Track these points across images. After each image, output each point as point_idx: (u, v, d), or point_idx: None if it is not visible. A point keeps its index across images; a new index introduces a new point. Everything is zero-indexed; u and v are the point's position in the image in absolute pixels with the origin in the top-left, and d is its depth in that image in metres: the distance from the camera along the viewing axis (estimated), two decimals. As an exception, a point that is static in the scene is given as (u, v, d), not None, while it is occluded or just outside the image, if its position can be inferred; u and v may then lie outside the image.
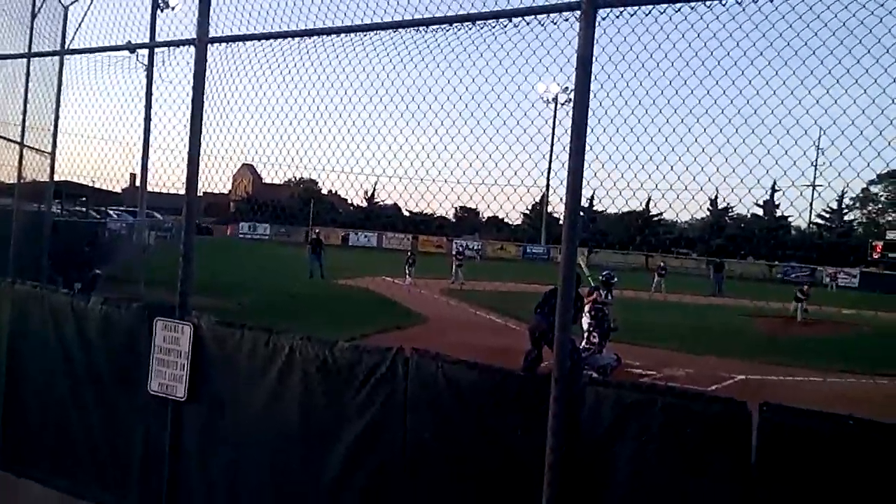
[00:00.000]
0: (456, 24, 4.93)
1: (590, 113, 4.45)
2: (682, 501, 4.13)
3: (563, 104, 55.59)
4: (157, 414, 6.03)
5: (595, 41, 4.39)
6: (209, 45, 6.13)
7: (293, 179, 79.71)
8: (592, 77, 4.41)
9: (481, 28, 4.84)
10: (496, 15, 4.77)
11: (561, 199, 4.58)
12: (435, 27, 5.04)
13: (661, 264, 42.06)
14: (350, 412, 5.12)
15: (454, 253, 39.13)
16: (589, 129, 4.46)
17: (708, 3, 4.37)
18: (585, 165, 4.48)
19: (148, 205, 29.18)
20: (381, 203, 79.42)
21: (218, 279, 24.72)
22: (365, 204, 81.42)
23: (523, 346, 14.89)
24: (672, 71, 4.52)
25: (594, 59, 4.40)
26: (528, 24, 4.66)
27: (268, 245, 59.81)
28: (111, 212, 43.16)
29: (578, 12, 4.41)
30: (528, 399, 4.54)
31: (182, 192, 6.23)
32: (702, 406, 4.14)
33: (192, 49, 6.13)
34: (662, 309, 26.79)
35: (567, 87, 54.05)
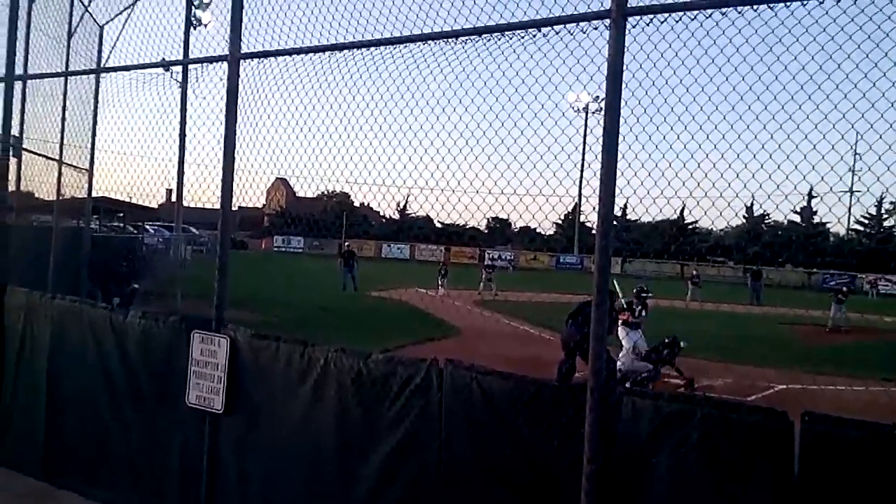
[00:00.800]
0: (485, 35, 4.94)
1: (625, 119, 4.43)
2: (722, 514, 4.06)
3: (593, 113, 55.42)
4: (194, 426, 6.09)
5: (626, 49, 4.38)
6: (241, 61, 6.22)
7: (326, 192, 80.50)
8: (623, 85, 4.39)
9: (510, 39, 4.85)
10: (525, 25, 4.77)
11: (594, 209, 4.56)
12: (464, 38, 5.05)
13: (695, 273, 41.48)
14: (385, 424, 5.13)
15: (485, 265, 38.90)
16: (621, 138, 4.44)
17: (739, 8, 4.32)
18: (618, 174, 4.45)
19: (184, 219, 29.59)
20: (414, 215, 79.73)
21: (253, 293, 24.96)
22: (397, 216, 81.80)
23: (557, 356, 14.81)
24: (704, 77, 4.47)
25: (625, 67, 4.39)
26: (557, 33, 4.65)
27: (302, 258, 60.24)
28: (148, 227, 43.85)
29: (608, 20, 4.40)
30: (563, 410, 4.51)
31: (217, 206, 6.31)
32: (741, 416, 4.07)
33: (225, 65, 6.22)
34: (699, 318, 26.39)
35: (598, 97, 53.97)
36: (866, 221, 76.84)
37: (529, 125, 5.15)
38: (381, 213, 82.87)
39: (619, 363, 12.94)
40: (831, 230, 74.37)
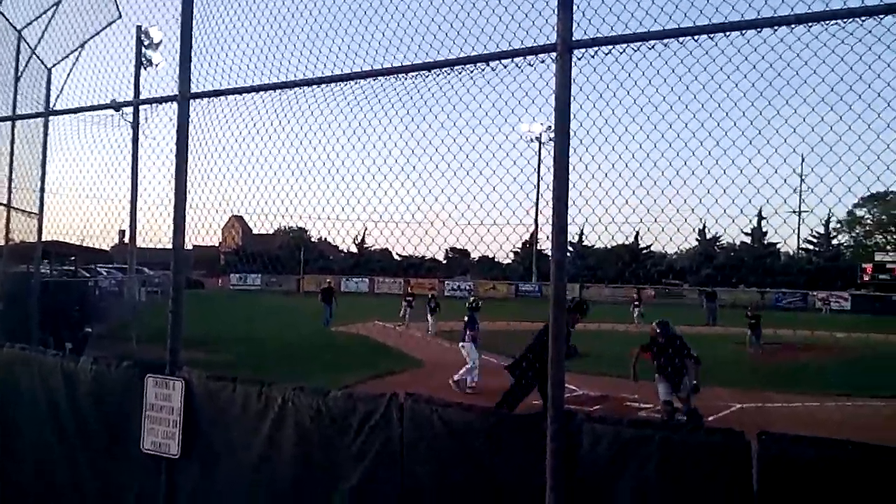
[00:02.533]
0: (435, 70, 5.00)
1: (574, 149, 4.51)
2: (685, 536, 4.09)
3: (545, 143, 56.17)
4: (150, 473, 5.94)
5: (573, 81, 4.47)
6: (192, 100, 6.19)
7: (283, 228, 79.94)
8: (572, 115, 4.47)
9: (460, 73, 4.91)
10: (473, 60, 4.84)
11: (548, 237, 4.61)
12: (414, 74, 5.10)
13: (635, 296, 41.89)
14: (347, 461, 5.06)
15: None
16: (571, 166, 4.51)
17: (680, 39, 4.45)
18: (573, 202, 4.52)
19: (138, 260, 29.08)
20: (372, 248, 79.56)
21: (213, 332, 24.61)
22: (355, 249, 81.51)
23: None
24: (650, 107, 4.60)
25: (573, 98, 4.47)
26: (505, 67, 4.73)
27: (261, 295, 59.48)
28: (101, 269, 42.97)
29: (554, 54, 4.49)
30: (525, 439, 4.51)
31: (171, 246, 6.23)
32: (699, 438, 4.13)
33: (176, 105, 6.18)
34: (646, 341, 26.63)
35: (550, 126, 54.83)
36: (815, 240, 78.89)
37: (481, 157, 5.20)
38: (339, 248, 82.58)
39: None
40: (782, 250, 76.21)
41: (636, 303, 38.29)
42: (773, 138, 4.35)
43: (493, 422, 4.65)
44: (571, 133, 4.46)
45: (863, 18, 3.93)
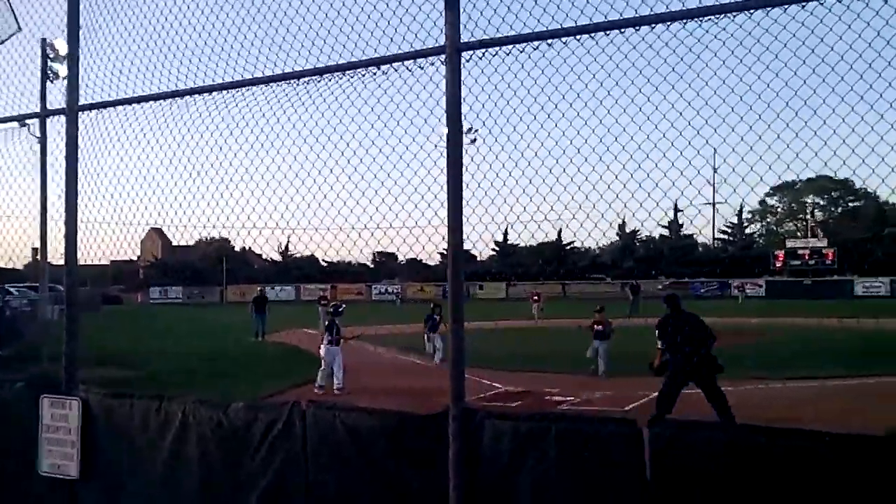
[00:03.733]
0: (327, 75, 4.98)
1: (500, 148, 4.57)
2: (585, 525, 4.17)
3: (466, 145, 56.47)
4: (49, 497, 5.73)
5: (462, 81, 4.52)
6: (92, 111, 6.05)
7: (204, 239, 78.30)
8: (489, 115, 4.53)
9: (351, 77, 4.91)
10: (365, 64, 4.85)
11: (480, 236, 4.67)
12: (307, 79, 5.07)
13: (534, 291, 42.52)
14: (251, 472, 4.99)
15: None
16: (488, 165, 4.57)
17: (579, 37, 4.51)
18: (501, 200, 4.59)
19: (51, 278, 27.97)
20: (297, 255, 78.73)
21: (130, 348, 23.89)
22: (279, 258, 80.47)
23: (442, 385, 14.87)
24: (564, 103, 4.65)
25: (468, 99, 4.54)
26: (396, 70, 4.75)
27: (183, 308, 58.03)
28: (11, 289, 41.16)
29: (444, 56, 4.53)
30: (427, 439, 4.53)
31: (87, 261, 6.06)
32: (594, 428, 4.22)
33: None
34: (577, 335, 27.16)
35: (470, 128, 55.24)
36: (729, 230, 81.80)
37: (402, 158, 5.17)
38: (264, 256, 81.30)
39: None
40: (699, 241, 78.80)
41: (535, 298, 38.73)
42: (686, 130, 4.45)
43: (396, 424, 4.66)
44: (488, 132, 4.52)
45: (767, 9, 4.05)
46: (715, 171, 4.87)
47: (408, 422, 4.66)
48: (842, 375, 16.24)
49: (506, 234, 73.16)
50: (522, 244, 75.06)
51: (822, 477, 3.59)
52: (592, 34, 4.45)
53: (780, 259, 66.49)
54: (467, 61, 4.52)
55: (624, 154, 4.54)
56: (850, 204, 79.95)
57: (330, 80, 4.98)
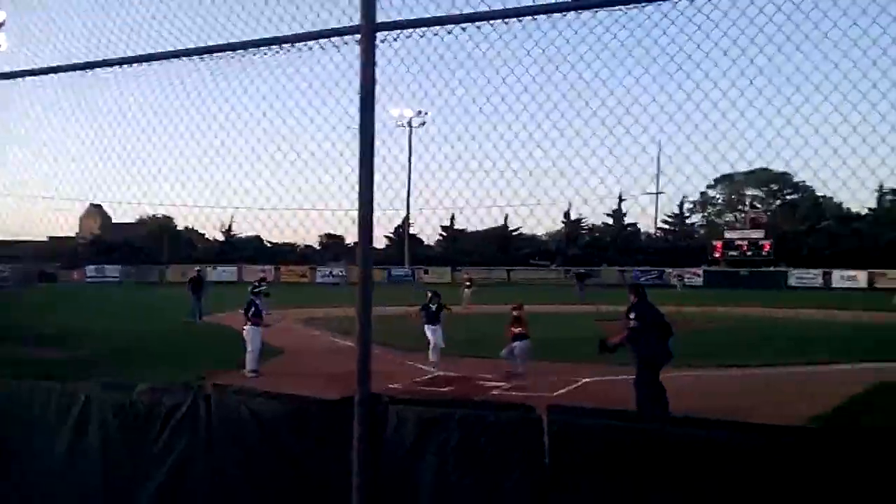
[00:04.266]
0: (240, 51, 4.86)
1: (449, 130, 4.51)
2: (486, 509, 4.19)
3: (416, 127, 56.32)
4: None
5: (375, 62, 4.45)
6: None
7: (146, 217, 76.58)
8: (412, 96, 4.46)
9: (265, 54, 4.79)
10: (279, 41, 4.74)
11: (430, 221, 4.58)
12: (220, 54, 4.94)
13: (467, 276, 42.75)
14: (154, 457, 4.89)
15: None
16: (451, 147, 4.52)
17: (504, 20, 4.46)
18: (450, 185, 4.54)
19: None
20: (242, 235, 77.61)
21: (67, 328, 23.28)
22: (222, 237, 79.20)
23: (379, 368, 14.83)
24: (505, 87, 4.62)
25: (424, 81, 4.47)
26: (309, 48, 4.65)
27: (117, 288, 56.71)
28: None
29: (359, 36, 4.45)
30: (333, 424, 4.49)
31: (19, 237, 5.82)
32: (495, 414, 4.22)
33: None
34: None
35: (420, 112, 54.96)
36: (671, 220, 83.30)
37: (328, 138, 5.08)
38: (207, 236, 79.91)
39: None
40: (642, 230, 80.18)
41: (467, 283, 38.87)
42: (632, 127, 4.47)
43: (300, 409, 4.61)
44: (437, 114, 4.46)
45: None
46: (658, 161, 4.90)
47: (312, 407, 4.61)
48: (770, 364, 16.67)
49: (452, 219, 73.65)
50: (470, 229, 75.48)
51: (714, 464, 3.66)
52: (521, 18, 4.42)
53: (719, 249, 68.00)
54: (382, 41, 4.45)
55: (568, 143, 4.55)
56: (788, 197, 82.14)
57: (244, 56, 4.86)
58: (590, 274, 45.77)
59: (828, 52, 3.89)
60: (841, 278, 60.67)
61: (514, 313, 16.05)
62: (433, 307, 17.38)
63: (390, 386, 13.56)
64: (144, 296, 43.12)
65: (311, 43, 4.69)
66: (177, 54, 5.26)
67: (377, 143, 4.70)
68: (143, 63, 5.40)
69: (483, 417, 4.18)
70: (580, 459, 3.92)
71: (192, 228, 75.14)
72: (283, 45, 4.77)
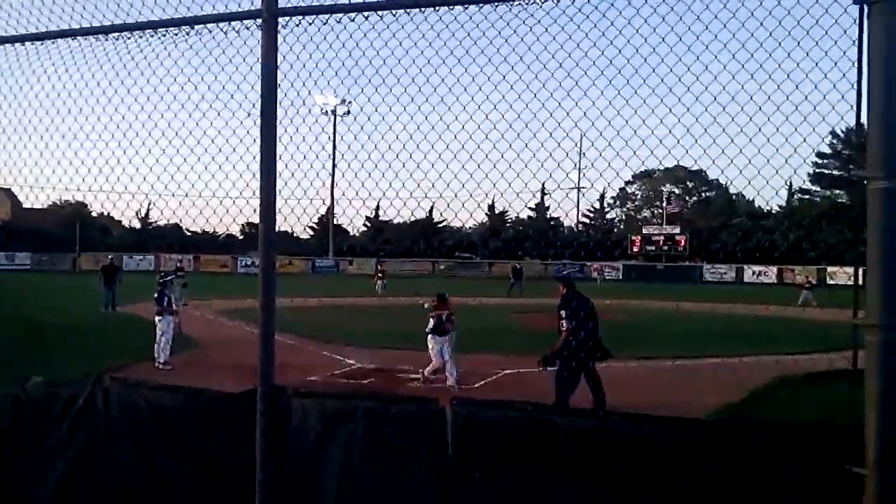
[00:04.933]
0: (137, 32, 4.68)
1: (368, 117, 4.42)
2: (390, 501, 4.17)
3: (341, 116, 55.84)
4: None
5: (278, 47, 4.36)
6: None
7: (58, 202, 73.62)
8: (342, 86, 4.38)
9: (163, 36, 4.63)
10: (177, 23, 4.57)
11: (358, 211, 4.50)
12: (116, 35, 4.75)
13: (380, 267, 42.82)
14: (48, 454, 4.69)
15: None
16: (366, 135, 4.44)
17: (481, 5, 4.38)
18: (377, 173, 4.57)
19: None
20: (160, 223, 75.51)
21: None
22: (140, 225, 76.89)
23: (298, 360, 14.71)
24: (421, 77, 4.57)
25: (350, 66, 4.38)
26: (210, 32, 4.52)
27: (28, 276, 54.35)
28: None
29: (259, 20, 4.35)
30: (235, 418, 4.40)
31: None
32: (400, 407, 4.21)
33: None
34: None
35: (344, 100, 54.38)
36: (591, 214, 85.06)
37: (227, 125, 4.93)
38: (123, 223, 77.35)
39: None
40: (564, 224, 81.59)
41: (380, 275, 38.93)
42: (557, 111, 4.46)
43: (203, 403, 4.50)
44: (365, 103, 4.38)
45: None
46: (581, 155, 4.94)
47: (215, 400, 4.50)
48: (681, 356, 17.17)
49: (377, 209, 73.21)
50: (395, 220, 75.32)
51: (614, 454, 3.72)
52: (423, 8, 4.39)
53: (637, 244, 69.82)
54: (284, 27, 4.35)
55: (493, 134, 4.54)
56: (704, 194, 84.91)
57: (140, 38, 4.68)
58: (523, 269, 46.05)
59: (735, 52, 3.98)
60: (752, 273, 63.14)
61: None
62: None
63: (308, 378, 13.44)
64: (56, 284, 41.48)
65: (210, 26, 4.55)
66: (64, 34, 5.03)
67: (305, 131, 4.65)
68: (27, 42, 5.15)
69: (388, 409, 4.16)
70: (482, 451, 3.94)
71: (108, 215, 72.58)
72: (182, 28, 4.62)
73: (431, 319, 14.32)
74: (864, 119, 3.43)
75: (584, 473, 3.78)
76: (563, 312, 11.13)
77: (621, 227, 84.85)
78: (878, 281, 3.23)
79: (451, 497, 4.01)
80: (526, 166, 4.60)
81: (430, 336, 14.10)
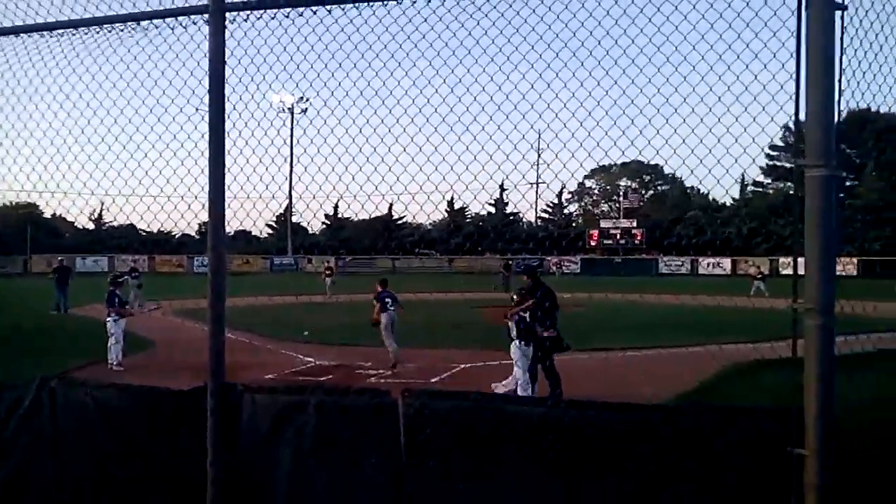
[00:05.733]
0: (83, 28, 4.63)
1: (324, 118, 4.43)
2: (343, 494, 4.20)
3: (299, 114, 55.29)
4: None
5: (227, 43, 4.34)
6: None
7: (8, 203, 71.73)
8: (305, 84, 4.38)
9: (109, 32, 4.58)
10: (124, 18, 4.54)
11: (315, 214, 4.46)
12: (60, 31, 4.69)
13: (327, 265, 42.23)
14: (-6, 454, 4.62)
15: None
16: (324, 137, 4.49)
17: (371, 4, 4.42)
18: (331, 170, 4.60)
19: None
20: (113, 224, 74.09)
21: None
22: (93, 226, 75.37)
23: (255, 359, 14.62)
24: (387, 75, 4.57)
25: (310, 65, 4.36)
26: (156, 27, 4.49)
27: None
28: None
29: (206, 16, 4.32)
30: (185, 416, 4.38)
31: None
32: (351, 399, 4.24)
33: None
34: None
35: (302, 98, 53.92)
36: (550, 209, 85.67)
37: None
38: (76, 224, 75.69)
39: None
40: (524, 219, 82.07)
41: (327, 272, 38.46)
42: (513, 113, 4.51)
43: (151, 401, 4.47)
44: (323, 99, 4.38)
45: None
46: (538, 153, 4.99)
47: (163, 398, 4.48)
48: (634, 347, 17.40)
49: (336, 206, 72.84)
50: (354, 217, 75.05)
51: (562, 440, 3.80)
52: (370, 3, 4.42)
53: (594, 238, 70.55)
54: (231, 22, 4.34)
55: (451, 132, 4.56)
56: (660, 188, 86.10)
57: (86, 35, 4.63)
58: (511, 265, 45.86)
59: (687, 54, 4.08)
60: (707, 265, 64.26)
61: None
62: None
63: (266, 377, 13.36)
64: (7, 287, 40.50)
65: (157, 21, 4.52)
66: (5, 31, 4.95)
67: (260, 129, 4.65)
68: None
69: (339, 403, 4.18)
70: (433, 442, 3.99)
71: (61, 216, 70.98)
72: (128, 24, 4.58)
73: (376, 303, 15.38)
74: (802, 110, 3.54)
75: (534, 458, 3.85)
76: (518, 293, 11.58)
77: (580, 221, 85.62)
78: (815, 265, 3.36)
79: (403, 487, 4.06)
80: (484, 168, 4.64)
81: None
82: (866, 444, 4.25)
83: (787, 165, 68.69)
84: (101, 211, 71.67)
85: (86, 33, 4.65)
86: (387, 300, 15.57)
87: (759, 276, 39.02)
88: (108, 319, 15.89)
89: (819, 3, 3.40)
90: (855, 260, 55.87)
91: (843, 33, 3.59)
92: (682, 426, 3.60)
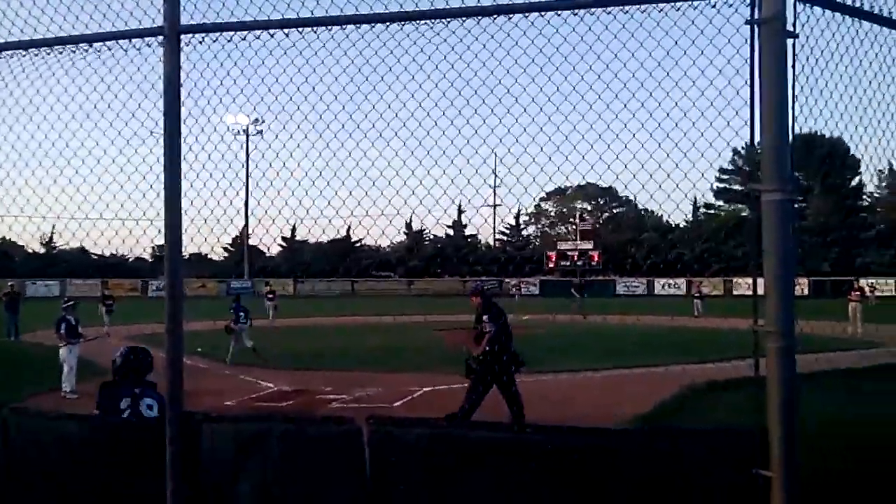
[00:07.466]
0: (32, 49, 4.52)
1: (280, 139, 4.39)
2: (308, 525, 4.11)
3: (254, 136, 54.94)
4: None
5: (182, 66, 4.27)
6: None
7: (-45, 227, 69.88)
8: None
9: (73, 53, 4.48)
10: (76, 40, 4.44)
11: (275, 239, 4.37)
12: (10, 52, 4.58)
13: (268, 288, 40.87)
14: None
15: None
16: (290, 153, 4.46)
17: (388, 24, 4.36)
18: (289, 194, 4.55)
19: None
20: (64, 247, 72.46)
21: None
22: (43, 249, 73.65)
23: (212, 385, 14.33)
24: (344, 95, 4.55)
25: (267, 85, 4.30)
26: (109, 49, 4.40)
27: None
28: None
29: (161, 37, 4.26)
30: (143, 445, 4.25)
31: None
32: (316, 428, 4.17)
33: None
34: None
35: (257, 119, 53.58)
36: (508, 232, 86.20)
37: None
38: (26, 247, 73.84)
39: None
40: (482, 242, 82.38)
41: (269, 296, 37.48)
42: (473, 138, 4.49)
43: (108, 431, 4.33)
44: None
45: (540, 14, 4.09)
46: (495, 175, 4.99)
47: (121, 428, 4.34)
48: (594, 368, 17.46)
49: (294, 229, 72.23)
50: (312, 240, 74.50)
51: (527, 465, 3.77)
52: (329, 27, 4.39)
53: (553, 260, 71.05)
54: (187, 45, 4.28)
55: (412, 159, 4.53)
56: (614, 210, 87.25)
57: (36, 56, 4.52)
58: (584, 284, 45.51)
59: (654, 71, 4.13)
60: (663, 286, 65.16)
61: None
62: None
63: (225, 403, 13.11)
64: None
65: (110, 43, 4.43)
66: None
67: (216, 151, 4.58)
68: None
69: (303, 431, 4.10)
70: (399, 469, 3.94)
71: (9, 240, 69.16)
72: (80, 45, 4.48)
73: None
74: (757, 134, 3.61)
75: (501, 485, 3.82)
76: (485, 317, 11.05)
77: (537, 243, 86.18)
78: (774, 288, 3.40)
79: (369, 516, 3.99)
80: (445, 191, 4.62)
81: None
82: (831, 464, 4.31)
83: (738, 188, 70.17)
84: (51, 234, 70.41)
85: (35, 54, 4.53)
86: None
87: (698, 294, 39.86)
88: (61, 346, 15.47)
89: (770, 32, 3.47)
90: (805, 280, 57.15)
91: (794, 60, 3.68)
92: (653, 448, 3.61)
